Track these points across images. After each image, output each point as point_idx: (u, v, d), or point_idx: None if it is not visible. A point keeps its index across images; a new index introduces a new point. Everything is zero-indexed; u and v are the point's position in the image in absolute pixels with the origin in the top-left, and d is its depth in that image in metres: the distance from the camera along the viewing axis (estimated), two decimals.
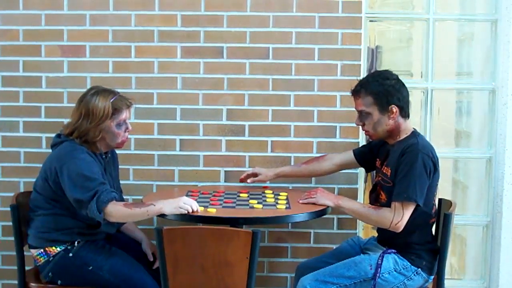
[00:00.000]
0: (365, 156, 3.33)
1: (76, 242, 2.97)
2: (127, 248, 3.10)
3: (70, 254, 2.94)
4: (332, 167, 3.44)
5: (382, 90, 2.98)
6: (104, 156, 3.11)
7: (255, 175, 3.47)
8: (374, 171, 3.34)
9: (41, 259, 2.97)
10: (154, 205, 2.86)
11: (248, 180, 3.47)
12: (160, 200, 2.90)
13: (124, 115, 3.04)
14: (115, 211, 2.83)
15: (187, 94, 3.67)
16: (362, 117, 3.06)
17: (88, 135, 2.97)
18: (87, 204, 2.81)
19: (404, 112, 3.02)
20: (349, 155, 3.38)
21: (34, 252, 3.01)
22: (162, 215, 2.88)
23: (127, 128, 3.08)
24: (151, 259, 3.21)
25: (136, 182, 3.69)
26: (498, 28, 3.76)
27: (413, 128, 3.08)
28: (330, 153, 3.51)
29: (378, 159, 3.19)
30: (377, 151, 3.23)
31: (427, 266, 2.97)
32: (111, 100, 3.00)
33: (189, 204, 2.85)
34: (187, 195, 3.19)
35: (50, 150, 3.54)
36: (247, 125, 3.69)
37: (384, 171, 3.05)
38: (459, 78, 4.06)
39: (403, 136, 3.04)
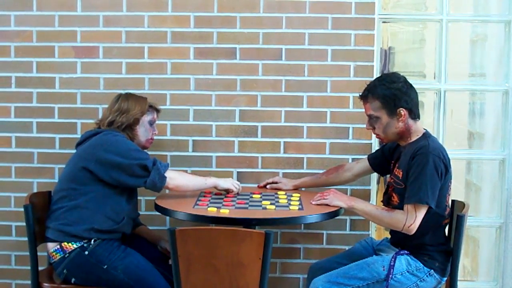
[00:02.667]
0: (379, 161, 3.33)
1: (92, 240, 2.98)
2: (141, 249, 3.11)
3: (86, 252, 2.95)
4: (351, 177, 3.47)
5: (389, 93, 2.98)
6: None
7: (275, 183, 3.53)
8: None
9: (57, 255, 2.98)
10: (210, 178, 3.23)
11: (267, 186, 3.53)
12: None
13: (155, 115, 3.31)
14: (178, 174, 3.13)
15: (200, 95, 3.68)
16: (372, 121, 3.06)
17: (128, 121, 3.15)
18: (151, 168, 2.98)
19: (414, 114, 3.01)
20: (366, 164, 3.39)
21: (50, 247, 3.01)
22: (168, 216, 2.92)
23: (154, 130, 3.29)
24: None
25: None
26: (511, 29, 3.74)
27: (425, 129, 3.07)
28: (348, 163, 3.53)
29: (392, 162, 3.19)
30: (391, 154, 3.22)
31: (440, 268, 2.96)
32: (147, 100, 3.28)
33: (239, 186, 3.27)
34: (200, 196, 3.22)
35: (63, 151, 3.59)
36: (259, 126, 3.69)
37: (396, 173, 3.05)
38: (472, 79, 4.04)
39: (414, 138, 3.03)
